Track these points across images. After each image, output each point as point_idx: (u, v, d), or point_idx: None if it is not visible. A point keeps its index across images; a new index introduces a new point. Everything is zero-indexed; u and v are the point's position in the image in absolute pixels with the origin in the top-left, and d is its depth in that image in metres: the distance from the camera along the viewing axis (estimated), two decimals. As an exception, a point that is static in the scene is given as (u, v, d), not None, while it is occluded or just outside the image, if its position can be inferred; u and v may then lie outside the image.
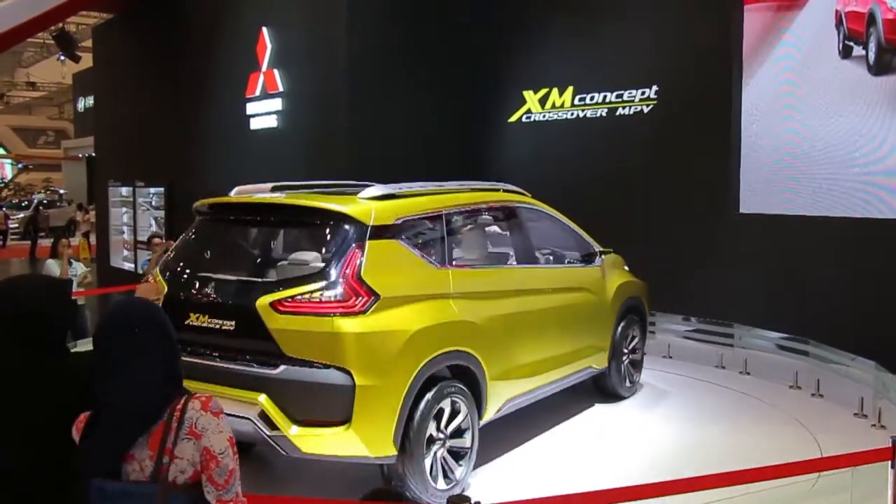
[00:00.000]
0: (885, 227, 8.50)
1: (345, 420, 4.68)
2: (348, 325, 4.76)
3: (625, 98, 11.14)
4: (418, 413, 4.99)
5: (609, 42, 11.43)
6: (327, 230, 5.21)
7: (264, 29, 13.38)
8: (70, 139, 39.04)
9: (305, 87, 12.90)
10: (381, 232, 5.14)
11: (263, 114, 13.62)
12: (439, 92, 12.42)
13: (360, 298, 4.84)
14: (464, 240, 6.17)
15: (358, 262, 4.93)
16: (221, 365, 5.00)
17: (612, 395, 7.65)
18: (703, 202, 10.27)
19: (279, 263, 5.39)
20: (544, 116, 12.15)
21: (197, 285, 5.29)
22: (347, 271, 4.90)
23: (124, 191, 18.66)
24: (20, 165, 51.81)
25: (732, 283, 9.85)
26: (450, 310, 5.39)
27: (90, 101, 25.68)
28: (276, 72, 13.20)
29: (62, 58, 23.76)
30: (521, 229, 6.74)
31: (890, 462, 3.99)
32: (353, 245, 5.02)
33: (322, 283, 4.84)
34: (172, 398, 2.30)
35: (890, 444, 4.00)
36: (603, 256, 7.53)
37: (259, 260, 5.80)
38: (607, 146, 11.25)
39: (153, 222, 17.37)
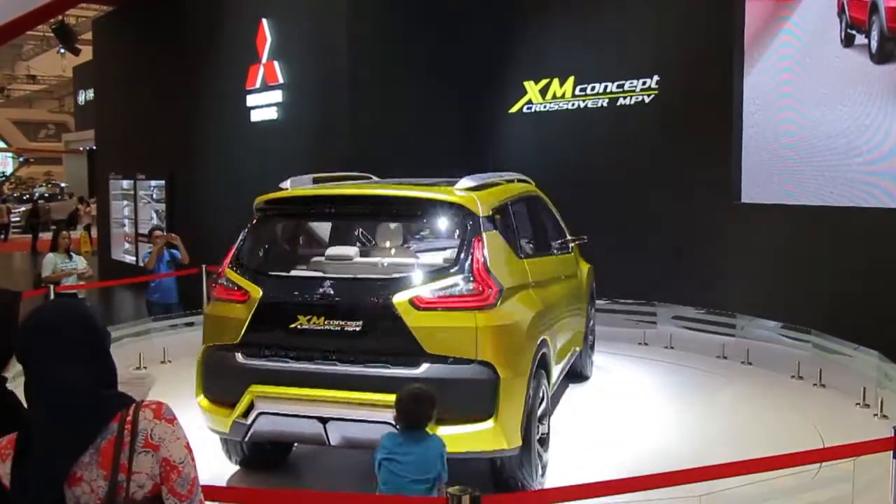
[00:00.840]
0: (888, 217, 8.47)
1: (489, 415, 4.59)
2: (487, 318, 4.71)
3: (626, 88, 11.10)
4: (531, 402, 4.95)
5: (610, 32, 11.39)
6: (443, 221, 5.23)
7: (264, 21, 13.34)
8: (71, 132, 39.01)
9: (305, 78, 12.87)
10: (487, 223, 5.09)
11: (263, 106, 13.60)
12: (440, 82, 12.39)
13: (491, 291, 4.79)
14: (522, 230, 6.13)
15: (483, 254, 4.88)
16: (348, 369, 4.71)
17: (579, 377, 7.82)
18: (704, 192, 10.25)
19: (397, 258, 5.30)
20: (545, 107, 12.11)
21: (304, 285, 5.03)
22: (477, 264, 4.85)
23: (125, 184, 18.66)
24: (21, 159, 51.82)
25: (734, 272, 9.84)
26: (534, 298, 5.44)
27: (91, 94, 25.65)
28: (276, 64, 13.17)
29: (62, 51, 23.72)
30: (539, 218, 6.86)
31: (892, 452, 3.98)
32: (475, 237, 4.94)
33: (459, 277, 4.78)
34: (116, 408, 2.08)
35: (892, 434, 3.99)
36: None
37: (374, 255, 5.61)
38: (608, 136, 11.23)
39: (154, 215, 17.37)
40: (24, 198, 36.86)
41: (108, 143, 20.42)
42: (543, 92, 12.12)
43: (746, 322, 9.18)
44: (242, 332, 4.95)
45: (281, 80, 13.12)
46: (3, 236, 30.27)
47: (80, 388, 2.06)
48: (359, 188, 5.60)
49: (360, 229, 6.07)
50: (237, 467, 5.63)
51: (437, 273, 4.85)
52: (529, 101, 12.32)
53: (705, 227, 10.20)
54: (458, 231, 5.08)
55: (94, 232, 21.91)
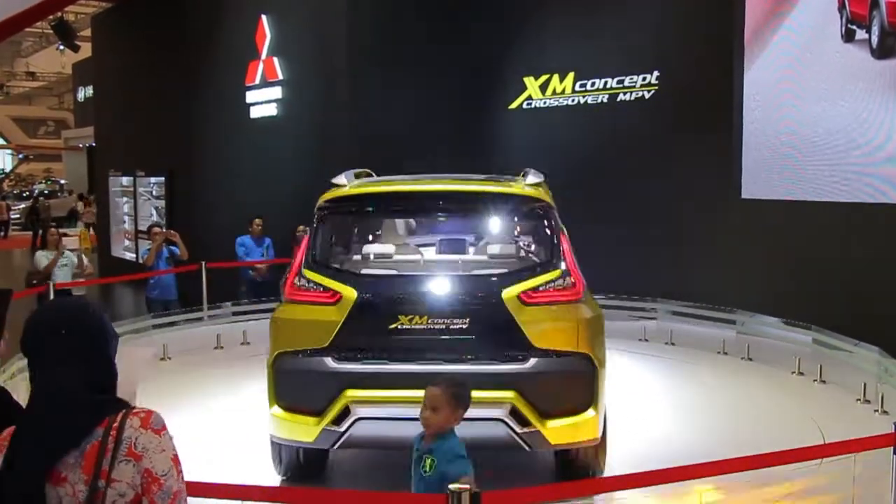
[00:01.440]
0: (888, 212, 8.46)
1: (590, 405, 4.69)
2: (584, 311, 4.84)
3: (626, 84, 11.08)
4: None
5: (610, 27, 11.37)
6: (523, 216, 5.24)
7: (263, 17, 13.32)
8: (70, 129, 38.98)
9: (305, 74, 12.86)
10: (559, 217, 5.21)
11: (263, 102, 13.59)
12: (439, 78, 12.36)
13: (582, 284, 4.93)
14: None
15: (570, 248, 4.98)
16: (453, 368, 4.60)
17: None
18: (704, 188, 10.23)
19: (489, 252, 5.26)
20: (545, 103, 12.09)
21: (404, 284, 4.93)
22: (569, 258, 4.94)
23: (125, 180, 18.65)
24: (20, 156, 51.78)
25: (735, 268, 9.82)
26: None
27: (90, 90, 25.61)
28: (275, 60, 13.16)
29: (61, 47, 23.68)
30: None
31: (893, 448, 3.97)
32: (560, 232, 5.04)
33: (558, 272, 4.83)
34: (106, 412, 2.05)
35: (893, 430, 3.98)
36: None
37: (464, 250, 5.54)
38: (608, 132, 11.21)
39: (154, 212, 17.36)
40: (24, 195, 36.84)
41: (107, 140, 20.40)
42: (543, 88, 12.10)
43: (747, 318, 9.16)
44: (333, 334, 4.73)
45: (280, 77, 13.11)
46: (2, 233, 30.27)
47: (69, 389, 2.04)
48: (436, 183, 5.45)
49: (453, 226, 5.97)
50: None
51: (533, 268, 4.91)
52: (529, 97, 12.29)
53: (705, 223, 10.18)
54: (537, 226, 5.16)
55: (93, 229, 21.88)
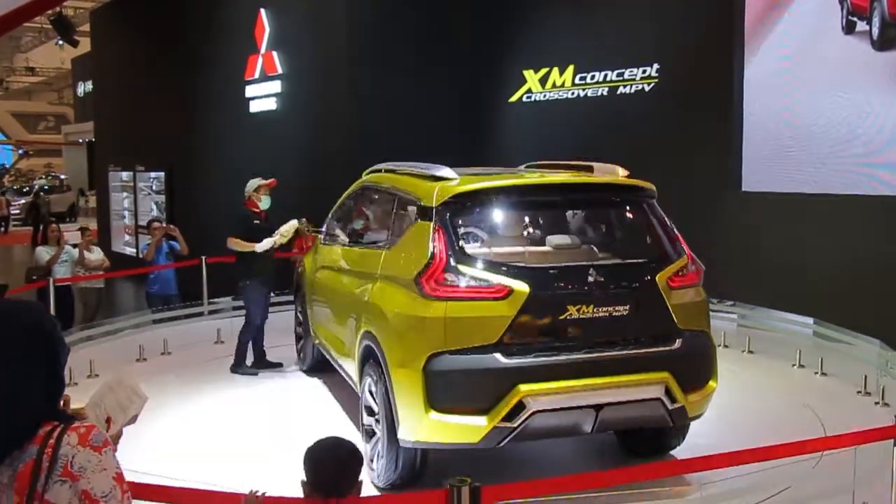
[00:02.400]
0: (889, 204, 8.45)
1: (710, 379, 5.11)
2: (704, 293, 5.25)
3: (626, 77, 11.05)
4: None
5: (610, 20, 11.33)
6: (638, 205, 5.40)
7: (262, 11, 13.30)
8: (70, 124, 38.99)
9: (305, 68, 12.83)
10: None
11: (263, 96, 13.58)
12: (439, 72, 12.35)
13: (701, 269, 5.31)
14: None
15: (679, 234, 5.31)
16: (616, 353, 4.79)
17: None
18: (704, 181, 10.21)
19: (616, 240, 5.45)
20: (545, 96, 12.07)
21: (571, 275, 4.92)
22: (684, 244, 5.28)
23: (124, 175, 18.65)
24: (21, 151, 51.76)
25: (735, 261, 9.80)
26: None
27: (90, 85, 25.60)
28: (274, 54, 13.14)
29: (60, 42, 23.64)
30: None
31: (893, 440, 3.97)
32: (665, 218, 5.35)
33: (685, 257, 5.18)
34: (36, 429, 1.90)
35: (893, 423, 3.97)
36: None
37: (597, 239, 5.62)
38: (608, 125, 11.18)
39: (154, 207, 17.36)
40: (25, 190, 36.83)
41: (107, 135, 20.39)
42: (543, 81, 12.07)
43: (748, 311, 9.16)
44: (504, 329, 4.65)
45: (280, 71, 13.09)
46: (2, 228, 30.27)
47: (17, 400, 1.89)
48: (556, 177, 5.55)
49: (582, 217, 5.90)
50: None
51: (665, 255, 5.16)
52: (529, 91, 12.27)
53: (706, 216, 10.16)
54: (650, 214, 5.34)
55: (93, 224, 21.85)
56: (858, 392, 7.10)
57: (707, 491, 4.69)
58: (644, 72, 10.84)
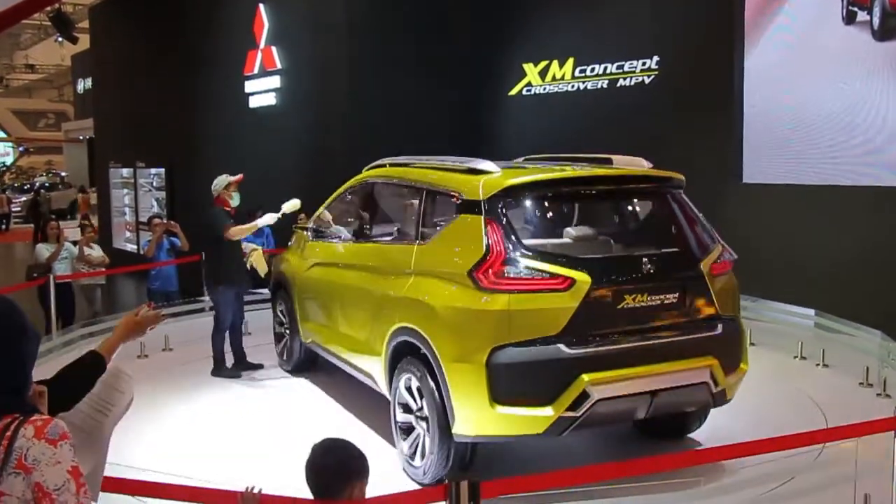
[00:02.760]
0: (891, 195, 8.42)
1: (742, 361, 5.34)
2: (734, 279, 5.44)
3: (625, 69, 11.02)
4: None
5: (609, 13, 11.30)
6: (672, 196, 5.51)
7: (261, 6, 13.27)
8: (71, 121, 38.95)
9: (304, 63, 12.81)
10: None
11: (262, 91, 13.56)
12: (439, 66, 12.32)
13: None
14: None
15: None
16: (667, 339, 4.96)
17: None
18: (705, 173, 10.15)
19: (658, 230, 5.54)
20: (545, 89, 12.04)
21: (627, 264, 5.04)
22: (715, 232, 5.50)
23: (125, 172, 18.64)
24: (21, 149, 51.76)
25: (736, 253, 9.75)
26: None
27: (89, 82, 25.57)
28: (274, 49, 13.11)
29: (60, 39, 23.59)
30: None
31: (894, 432, 3.95)
32: (693, 207, 5.54)
33: (719, 246, 5.41)
34: (1, 417, 1.93)
35: (894, 415, 3.96)
36: None
37: (639, 229, 5.71)
38: (608, 118, 11.15)
39: (154, 203, 17.35)
40: (25, 187, 36.83)
41: (107, 132, 20.37)
42: (543, 74, 12.04)
43: (749, 302, 9.12)
44: (567, 320, 4.68)
45: (279, 66, 13.06)
46: (3, 226, 30.28)
47: None
48: (599, 170, 5.57)
49: (617, 207, 6.00)
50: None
51: (703, 244, 5.34)
52: (529, 84, 12.24)
53: (707, 207, 9.98)
54: (682, 205, 5.49)
55: (94, 221, 21.86)
56: (860, 384, 7.09)
57: (709, 483, 4.68)
58: (644, 64, 10.81)
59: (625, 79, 11.03)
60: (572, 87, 11.67)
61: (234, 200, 7.77)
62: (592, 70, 11.42)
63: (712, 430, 5.97)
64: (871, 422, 4.15)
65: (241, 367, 7.89)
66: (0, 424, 1.90)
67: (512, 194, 5.08)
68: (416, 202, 5.76)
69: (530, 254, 4.80)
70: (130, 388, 2.53)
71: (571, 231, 5.34)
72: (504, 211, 4.95)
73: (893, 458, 3.99)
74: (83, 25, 23.04)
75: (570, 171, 5.50)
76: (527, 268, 4.73)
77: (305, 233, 7.44)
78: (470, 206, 5.03)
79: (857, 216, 8.79)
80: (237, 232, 7.58)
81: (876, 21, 8.51)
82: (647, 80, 10.79)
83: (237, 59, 13.88)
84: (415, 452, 5.19)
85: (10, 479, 1.86)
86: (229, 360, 7.90)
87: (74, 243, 10.66)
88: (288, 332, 7.72)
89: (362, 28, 12.14)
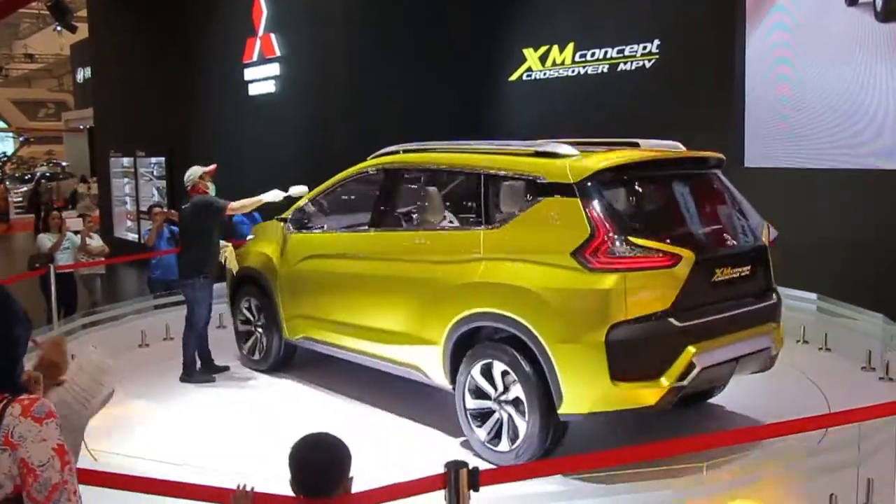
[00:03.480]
0: (892, 178, 8.37)
1: (782, 331, 5.79)
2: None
3: (626, 53, 10.96)
4: None
5: (609, -4, 11.22)
6: (718, 177, 5.80)
7: (259, -8, 13.20)
8: (71, 111, 38.84)
9: (303, 50, 12.75)
10: None
11: (261, 79, 13.50)
12: (438, 51, 12.26)
13: None
14: None
15: None
16: (744, 309, 5.38)
17: None
18: (707, 157, 10.13)
19: (722, 206, 5.76)
20: (545, 74, 11.98)
21: (716, 239, 5.46)
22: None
23: (125, 161, 18.60)
24: (21, 139, 51.69)
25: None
26: None
27: (89, 71, 25.49)
28: (272, 36, 13.05)
29: (58, 28, 23.49)
30: None
31: (898, 416, 3.94)
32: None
33: (762, 220, 5.78)
34: None
35: (897, 398, 3.94)
36: None
37: (713, 206, 5.84)
38: (609, 102, 11.10)
39: (155, 192, 17.32)
40: (26, 177, 36.78)
41: (106, 121, 20.31)
42: (543, 59, 11.98)
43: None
44: (675, 296, 4.91)
45: (278, 53, 13.00)
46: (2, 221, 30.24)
47: None
48: (673, 152, 5.76)
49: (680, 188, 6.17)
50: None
51: (755, 218, 5.72)
52: (529, 69, 12.18)
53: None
54: (726, 184, 5.81)
55: (95, 211, 21.85)
56: (862, 367, 7.08)
57: (712, 469, 4.67)
58: (644, 48, 10.75)
59: (625, 63, 10.97)
60: (573, 72, 11.61)
61: (211, 190, 7.60)
62: (593, 55, 11.36)
63: (714, 415, 5.97)
64: (873, 406, 4.13)
65: (210, 370, 7.41)
66: None
67: (604, 176, 5.11)
68: (468, 188, 5.83)
69: (636, 233, 4.92)
70: (112, 382, 2.55)
71: (662, 210, 5.51)
72: (598, 192, 5.02)
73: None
74: (82, 14, 22.94)
75: (650, 152, 5.56)
76: (635, 247, 4.86)
77: (285, 224, 7.14)
78: (558, 189, 5.09)
79: (859, 200, 8.75)
80: (240, 206, 7.26)
81: (879, 2, 8.44)
82: (647, 65, 10.73)
83: (236, 46, 13.82)
84: (495, 437, 5.26)
85: None
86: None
87: (76, 233, 10.63)
88: (261, 329, 7.40)
89: (361, 13, 12.07)
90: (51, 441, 1.96)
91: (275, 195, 7.32)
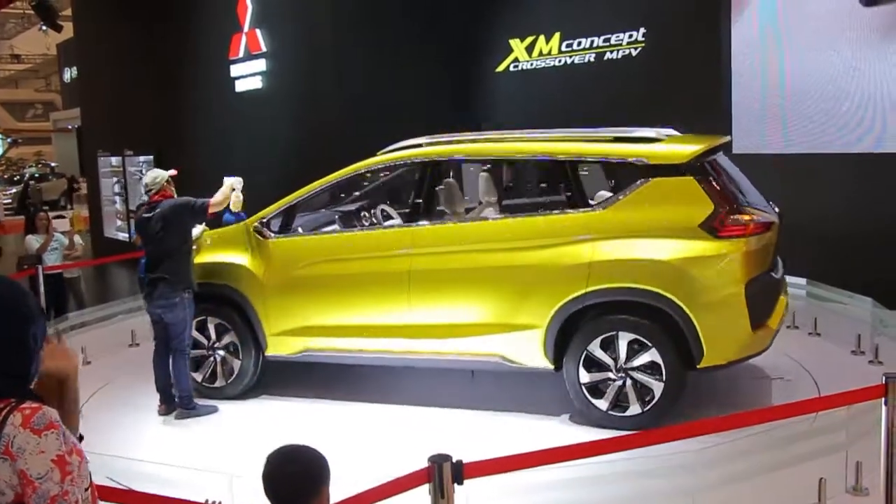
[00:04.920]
0: (881, 162, 8.39)
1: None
2: None
3: (612, 42, 10.95)
4: None
5: (594, -15, 11.20)
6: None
7: (244, -12, 13.13)
8: (59, 111, 38.70)
9: (289, 45, 12.70)
10: None
11: (248, 75, 13.45)
12: (425, 44, 12.23)
13: None
14: None
15: None
16: (781, 273, 6.35)
17: None
18: (695, 145, 10.14)
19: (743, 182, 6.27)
20: (532, 64, 11.96)
21: (767, 207, 6.09)
22: None
23: (114, 160, 18.50)
24: (10, 140, 51.47)
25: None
26: None
27: (76, 71, 25.36)
28: (258, 32, 12.99)
29: (44, 28, 23.37)
30: None
31: (883, 399, 3.95)
32: None
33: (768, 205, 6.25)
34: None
35: (882, 382, 3.95)
36: None
37: (740, 181, 6.26)
38: (597, 91, 11.09)
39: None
40: (15, 178, 36.63)
41: (94, 121, 20.22)
42: (530, 49, 11.96)
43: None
44: (772, 254, 5.98)
45: (264, 49, 12.95)
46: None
47: None
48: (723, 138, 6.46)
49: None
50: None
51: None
52: (516, 60, 12.16)
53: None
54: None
55: (84, 211, 21.80)
56: (852, 351, 7.10)
57: (703, 455, 4.68)
58: (630, 36, 10.74)
59: (612, 52, 10.96)
60: (559, 61, 11.60)
61: (176, 194, 6.79)
62: (579, 44, 11.34)
63: (704, 401, 5.97)
64: (859, 390, 4.15)
65: (169, 399, 6.50)
66: None
67: (701, 157, 5.72)
68: (550, 174, 6.65)
69: (744, 205, 5.66)
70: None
71: (734, 184, 5.95)
72: (706, 171, 5.64)
73: (882, 425, 3.99)
74: (67, 13, 22.81)
75: (715, 138, 6.23)
76: (748, 216, 5.57)
77: (258, 231, 6.54)
78: (664, 170, 5.62)
79: (847, 184, 8.76)
80: (219, 201, 6.50)
81: (863, -14, 8.44)
82: (634, 53, 10.72)
83: (222, 42, 13.75)
84: (617, 405, 5.61)
85: None
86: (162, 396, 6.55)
87: (64, 233, 10.58)
88: (223, 352, 6.70)
89: (347, 6, 12.03)
90: (49, 453, 1.91)
91: (234, 180, 6.67)
